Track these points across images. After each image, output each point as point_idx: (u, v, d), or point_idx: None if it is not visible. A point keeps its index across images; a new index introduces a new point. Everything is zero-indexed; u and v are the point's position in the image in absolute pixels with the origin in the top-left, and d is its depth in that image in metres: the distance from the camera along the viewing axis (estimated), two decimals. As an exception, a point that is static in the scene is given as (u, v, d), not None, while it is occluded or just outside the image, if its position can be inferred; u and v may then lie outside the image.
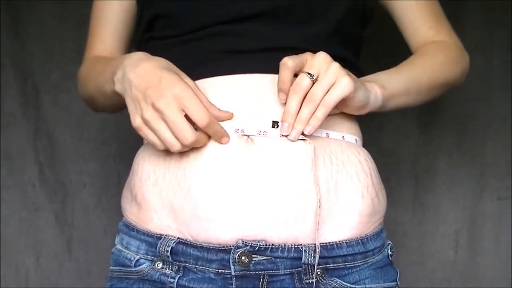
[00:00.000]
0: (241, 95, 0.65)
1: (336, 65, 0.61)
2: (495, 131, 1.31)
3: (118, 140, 1.31)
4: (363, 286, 0.65)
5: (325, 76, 0.60)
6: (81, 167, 1.28)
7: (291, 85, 0.61)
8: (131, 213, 0.69)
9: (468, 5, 1.26)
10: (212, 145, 0.62)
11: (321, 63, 0.60)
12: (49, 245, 1.31)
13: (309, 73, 0.60)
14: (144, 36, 0.74)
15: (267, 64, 0.65)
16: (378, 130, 1.27)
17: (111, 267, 0.71)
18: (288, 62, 0.60)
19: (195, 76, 0.65)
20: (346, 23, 0.71)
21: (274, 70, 0.63)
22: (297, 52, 0.63)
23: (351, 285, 0.65)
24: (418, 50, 0.80)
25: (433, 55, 0.78)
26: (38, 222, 1.31)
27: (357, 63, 0.76)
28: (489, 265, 1.31)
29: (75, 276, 1.31)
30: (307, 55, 0.61)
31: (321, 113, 0.60)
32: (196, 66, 0.67)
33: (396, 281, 0.70)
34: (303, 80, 0.60)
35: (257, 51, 0.66)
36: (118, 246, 0.71)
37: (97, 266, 1.31)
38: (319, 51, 0.62)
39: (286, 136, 0.62)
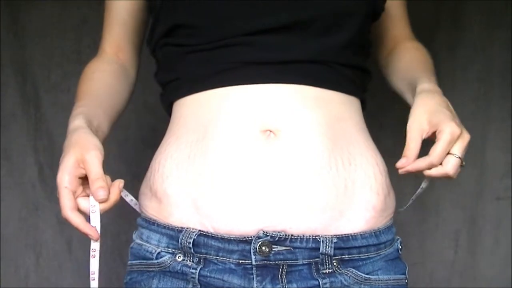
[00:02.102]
0: (261, 102, 0.68)
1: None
2: (495, 131, 1.31)
3: (118, 140, 1.31)
4: (377, 276, 0.69)
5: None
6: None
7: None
8: (151, 209, 0.71)
9: (468, 5, 1.27)
10: (235, 140, 0.66)
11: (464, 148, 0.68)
12: (49, 245, 1.31)
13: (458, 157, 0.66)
14: (160, 41, 0.76)
15: (284, 76, 0.68)
16: (378, 129, 1.28)
17: (129, 262, 0.74)
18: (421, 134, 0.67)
19: (213, 85, 0.69)
20: (359, 32, 0.73)
21: (291, 81, 0.68)
22: (310, 65, 0.69)
23: (366, 275, 0.68)
24: (411, 50, 0.86)
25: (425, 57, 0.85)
26: (38, 222, 1.31)
27: (367, 67, 0.78)
28: (489, 265, 1.31)
29: (75, 276, 1.32)
30: (445, 128, 0.66)
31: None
32: (214, 75, 0.70)
33: (405, 274, 0.73)
34: (455, 163, 0.67)
35: (274, 63, 0.69)
36: (138, 241, 0.73)
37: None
38: (337, 63, 0.70)
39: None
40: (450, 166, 0.66)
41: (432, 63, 0.83)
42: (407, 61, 0.83)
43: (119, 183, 0.65)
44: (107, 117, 0.75)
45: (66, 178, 0.61)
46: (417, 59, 0.83)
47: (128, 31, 0.85)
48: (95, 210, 0.62)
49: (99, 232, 0.63)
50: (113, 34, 0.85)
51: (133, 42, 0.86)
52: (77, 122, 0.67)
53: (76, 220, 0.62)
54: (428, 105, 0.69)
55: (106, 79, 0.80)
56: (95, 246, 0.65)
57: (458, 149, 0.67)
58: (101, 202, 0.62)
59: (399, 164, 0.68)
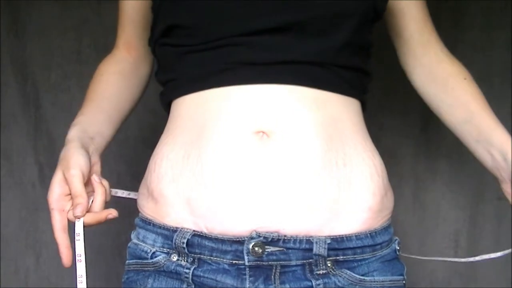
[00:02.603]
0: (256, 103, 0.67)
1: None
2: (495, 131, 1.30)
3: (118, 140, 1.31)
4: (372, 278, 0.68)
5: None
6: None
7: None
8: (148, 209, 0.72)
9: (468, 5, 1.26)
10: (229, 141, 0.66)
11: None
12: (49, 245, 1.31)
13: None
14: (159, 41, 0.77)
15: (282, 76, 0.68)
16: (378, 129, 1.27)
17: (127, 261, 0.74)
18: None
19: (209, 85, 0.69)
20: (358, 32, 0.72)
21: (288, 82, 0.68)
22: (307, 66, 0.69)
23: (360, 277, 0.68)
24: (459, 75, 0.84)
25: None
26: (38, 222, 1.31)
27: (368, 68, 0.78)
28: (489, 265, 1.31)
29: (75, 276, 1.31)
30: None
31: None
32: (211, 76, 0.70)
33: (403, 275, 0.73)
34: None
35: (272, 64, 0.69)
36: (135, 240, 0.74)
37: (97, 266, 1.31)
38: (335, 65, 0.70)
39: None
40: None
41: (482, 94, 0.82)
42: (464, 102, 0.81)
43: (108, 214, 0.70)
44: (111, 120, 0.80)
45: (52, 199, 0.67)
46: (476, 100, 0.81)
47: (138, 29, 0.87)
48: (79, 220, 0.68)
49: (82, 239, 0.70)
50: (125, 32, 0.88)
51: (144, 39, 0.88)
52: (71, 134, 0.73)
53: (60, 241, 0.67)
54: None
55: (113, 81, 0.84)
56: (80, 251, 0.69)
57: None
58: (77, 218, 0.67)
59: None
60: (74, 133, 0.73)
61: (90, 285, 1.36)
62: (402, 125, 1.30)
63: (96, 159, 0.73)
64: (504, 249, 1.34)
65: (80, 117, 0.76)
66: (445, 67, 0.85)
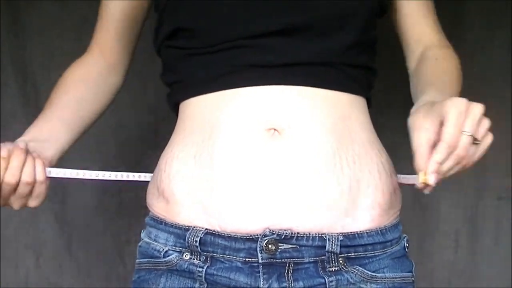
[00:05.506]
0: (265, 102, 0.67)
1: (487, 123, 0.64)
2: (495, 131, 1.30)
3: (118, 140, 1.31)
4: (383, 274, 0.69)
5: (484, 140, 0.65)
6: (81, 167, 1.28)
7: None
8: (159, 208, 0.72)
9: (468, 5, 1.27)
10: (240, 139, 0.66)
11: (475, 122, 0.62)
12: (49, 245, 1.32)
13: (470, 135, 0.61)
14: (164, 43, 0.76)
15: (289, 78, 0.68)
16: (378, 129, 1.28)
17: (138, 260, 0.74)
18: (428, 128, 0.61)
19: (217, 87, 0.70)
20: (364, 31, 0.73)
21: (296, 83, 0.68)
22: (315, 67, 0.68)
23: (372, 273, 0.68)
24: (433, 59, 0.81)
25: (452, 68, 0.81)
26: (38, 222, 1.31)
27: (373, 65, 0.77)
28: (489, 265, 1.31)
29: (75, 276, 1.32)
30: (448, 108, 0.60)
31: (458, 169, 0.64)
32: (218, 78, 0.70)
33: (412, 272, 0.73)
34: (465, 142, 0.61)
35: (278, 66, 0.69)
36: (146, 239, 0.74)
37: (97, 266, 1.31)
38: (341, 64, 0.69)
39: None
40: (459, 145, 0.61)
41: (454, 73, 0.79)
42: (424, 78, 0.79)
43: None
44: (69, 127, 0.81)
45: None
46: (433, 72, 0.78)
47: (120, 31, 0.85)
48: None
49: None
50: (103, 34, 0.87)
51: (123, 42, 0.87)
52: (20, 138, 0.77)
53: None
54: (421, 110, 0.66)
55: (75, 89, 0.85)
56: None
57: (468, 125, 0.61)
58: None
59: (420, 186, 0.64)
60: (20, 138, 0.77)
61: (90, 285, 1.36)
62: (402, 125, 1.30)
63: (41, 156, 0.74)
64: (504, 250, 1.33)
65: (30, 128, 0.79)
66: (432, 52, 0.82)
